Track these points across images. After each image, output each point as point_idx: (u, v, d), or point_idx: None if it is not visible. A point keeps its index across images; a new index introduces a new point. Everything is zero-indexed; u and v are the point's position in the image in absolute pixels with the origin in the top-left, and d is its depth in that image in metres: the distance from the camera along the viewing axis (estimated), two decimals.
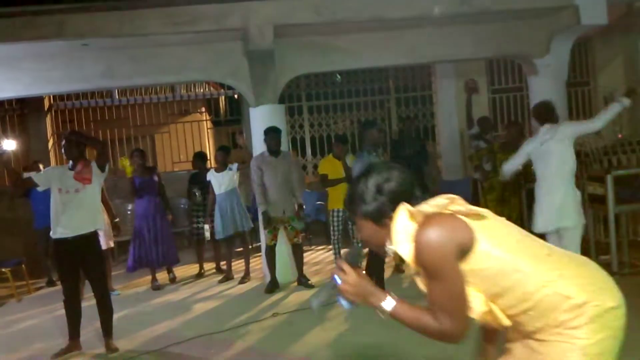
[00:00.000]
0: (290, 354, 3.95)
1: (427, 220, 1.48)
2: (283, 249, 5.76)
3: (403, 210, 1.52)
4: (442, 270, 1.45)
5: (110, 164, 4.51)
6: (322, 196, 6.41)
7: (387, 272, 6.78)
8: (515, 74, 8.98)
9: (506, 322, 1.54)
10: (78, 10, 5.21)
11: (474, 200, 6.65)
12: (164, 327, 4.75)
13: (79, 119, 9.66)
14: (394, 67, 8.55)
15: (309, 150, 9.33)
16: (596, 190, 5.44)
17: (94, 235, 4.16)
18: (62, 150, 4.23)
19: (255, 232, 6.39)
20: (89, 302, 4.50)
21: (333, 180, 5.91)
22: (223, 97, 11.59)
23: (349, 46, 6.02)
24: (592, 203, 5.50)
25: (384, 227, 1.54)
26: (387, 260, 5.08)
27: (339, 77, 9.36)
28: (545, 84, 6.32)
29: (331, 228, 6.02)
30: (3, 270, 6.07)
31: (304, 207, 5.79)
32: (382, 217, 1.54)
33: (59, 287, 4.68)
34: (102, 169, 4.15)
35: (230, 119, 11.43)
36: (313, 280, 5.81)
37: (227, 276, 6.26)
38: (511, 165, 4.51)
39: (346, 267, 1.56)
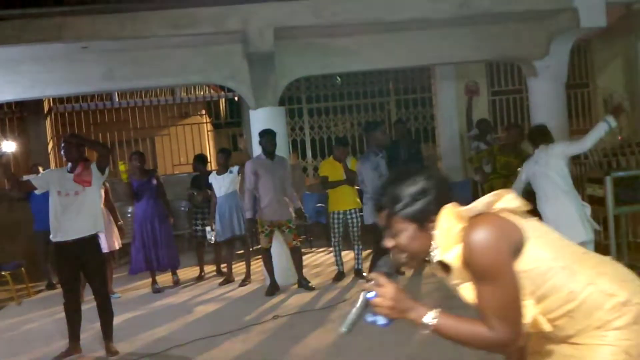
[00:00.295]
0: (291, 357, 3.95)
1: (476, 220, 1.40)
2: (282, 252, 5.76)
3: (448, 211, 1.43)
4: (497, 273, 1.36)
5: (111, 166, 4.50)
6: (323, 198, 6.40)
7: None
8: (515, 76, 8.99)
9: (548, 327, 1.45)
10: (78, 13, 5.21)
11: (471, 200, 6.65)
12: (164, 330, 4.74)
13: (78, 121, 9.66)
14: (394, 69, 8.56)
15: (309, 153, 9.33)
16: (596, 192, 5.45)
17: (94, 238, 4.15)
18: (62, 152, 4.22)
19: (256, 234, 6.39)
20: (89, 305, 4.50)
21: (333, 182, 5.91)
22: (223, 100, 11.60)
23: (349, 48, 6.03)
24: (592, 204, 5.50)
25: (426, 231, 1.44)
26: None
27: (339, 79, 9.37)
28: (544, 86, 6.34)
29: (332, 230, 6.02)
30: (3, 273, 6.06)
31: (302, 209, 5.77)
32: (426, 219, 1.44)
33: (59, 290, 4.67)
34: (102, 171, 4.15)
35: (230, 121, 11.44)
36: (314, 282, 5.81)
37: (228, 279, 6.25)
38: (517, 189, 4.59)
39: (383, 279, 1.43)
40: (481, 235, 1.37)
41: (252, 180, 5.52)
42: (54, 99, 9.28)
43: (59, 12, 5.17)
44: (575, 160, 6.22)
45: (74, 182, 4.08)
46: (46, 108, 9.30)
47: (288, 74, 6.00)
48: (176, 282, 6.32)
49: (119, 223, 5.86)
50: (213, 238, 6.21)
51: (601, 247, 5.46)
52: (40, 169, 6.50)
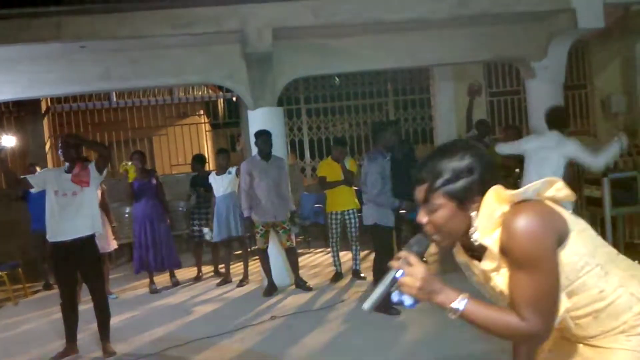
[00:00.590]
0: (289, 357, 3.94)
1: (523, 206, 1.33)
2: (280, 252, 5.75)
3: (494, 193, 1.36)
4: (538, 262, 1.29)
5: (109, 167, 4.49)
6: (321, 199, 6.40)
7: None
8: (513, 77, 9.00)
9: (571, 324, 1.41)
10: (76, 12, 5.20)
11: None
12: (162, 331, 4.73)
13: (76, 121, 9.64)
14: (392, 69, 8.56)
15: (307, 153, 9.33)
16: (593, 193, 5.46)
17: (91, 239, 4.14)
18: (59, 152, 4.21)
19: (254, 235, 6.38)
20: (86, 306, 4.48)
21: (332, 182, 5.91)
22: (222, 100, 11.58)
23: (347, 49, 6.03)
24: (589, 205, 5.52)
25: (465, 211, 1.37)
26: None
27: (337, 79, 9.37)
28: (542, 87, 6.34)
29: (329, 231, 6.01)
30: (0, 273, 6.04)
31: (296, 210, 5.76)
32: (467, 199, 1.36)
33: (55, 290, 4.66)
34: (100, 171, 4.14)
35: (228, 121, 11.42)
36: (311, 283, 5.80)
37: (226, 279, 6.24)
38: (504, 149, 4.72)
39: (413, 258, 1.36)
40: (527, 221, 1.30)
41: (247, 181, 5.52)
42: (51, 99, 9.25)
43: (56, 11, 5.15)
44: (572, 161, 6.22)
45: (71, 182, 4.06)
46: (44, 108, 9.27)
47: (286, 74, 5.99)
48: (175, 283, 6.31)
49: (113, 225, 5.84)
50: (209, 237, 6.19)
51: None
52: (38, 169, 6.46)
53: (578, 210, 5.20)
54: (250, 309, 5.14)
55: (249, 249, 6.38)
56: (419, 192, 1.41)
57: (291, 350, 4.04)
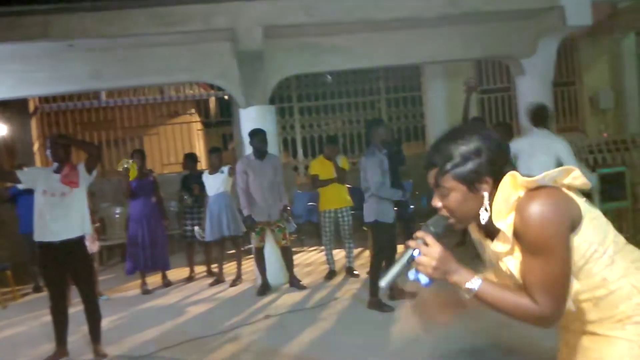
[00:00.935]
0: (283, 356, 3.93)
1: (538, 192, 1.35)
2: (274, 251, 5.74)
3: (510, 178, 1.38)
4: (552, 247, 1.32)
5: (99, 167, 4.43)
6: (314, 197, 6.39)
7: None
8: (503, 74, 9.06)
9: (572, 307, 1.44)
10: (64, 11, 5.14)
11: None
12: (154, 332, 4.69)
13: (65, 121, 9.55)
14: (384, 67, 8.57)
15: (300, 151, 9.31)
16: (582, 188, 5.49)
17: (81, 240, 4.09)
18: (48, 152, 4.15)
19: (247, 234, 6.35)
20: (76, 308, 4.43)
21: (324, 180, 5.90)
22: (213, 99, 11.53)
23: (339, 47, 6.02)
24: None
25: (476, 193, 1.39)
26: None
27: (329, 77, 9.36)
28: (532, 84, 6.38)
29: (323, 229, 6.00)
30: None
31: (290, 208, 5.75)
32: (477, 181, 1.38)
33: (45, 293, 4.60)
34: (90, 172, 4.09)
35: (220, 120, 11.37)
36: (305, 281, 5.79)
37: (219, 279, 6.21)
38: None
39: (430, 238, 1.40)
40: (542, 207, 1.32)
41: (243, 179, 5.50)
42: (40, 98, 9.15)
43: (44, 9, 5.09)
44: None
45: (61, 183, 4.01)
46: (32, 107, 9.16)
47: (278, 72, 5.97)
48: (167, 284, 6.27)
49: (96, 225, 5.80)
50: (199, 236, 6.16)
51: None
52: (25, 169, 6.40)
53: None
54: (243, 308, 5.12)
55: (242, 248, 6.35)
56: (430, 176, 1.44)
57: (285, 349, 4.03)
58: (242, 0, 5.40)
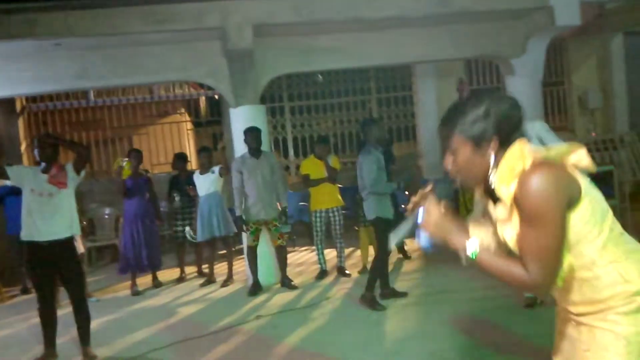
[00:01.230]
0: (274, 356, 3.91)
1: (542, 165, 1.40)
2: (266, 251, 5.71)
3: (519, 147, 1.44)
4: (547, 218, 1.37)
5: (87, 167, 4.38)
6: (305, 197, 6.38)
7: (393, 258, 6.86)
8: (493, 73, 9.10)
9: (560, 282, 1.49)
10: (51, 9, 5.07)
11: (454, 198, 6.72)
12: (144, 333, 4.65)
13: (53, 121, 9.44)
14: (375, 67, 8.58)
15: (291, 151, 9.30)
16: None
17: (70, 241, 4.04)
18: (35, 152, 4.09)
19: (238, 234, 6.32)
20: (65, 310, 4.38)
21: (315, 180, 5.89)
22: (204, 98, 11.46)
23: (330, 46, 6.00)
24: None
25: (482, 154, 1.46)
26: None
27: (320, 77, 9.35)
28: (521, 84, 6.41)
29: (314, 229, 5.99)
30: None
31: (287, 208, 5.75)
32: (484, 140, 1.45)
33: (34, 295, 4.54)
34: (78, 172, 4.04)
35: (211, 120, 11.31)
36: (296, 281, 5.78)
37: (209, 280, 6.17)
38: None
39: (433, 201, 1.50)
40: (542, 180, 1.37)
41: (238, 179, 5.48)
42: (27, 98, 9.04)
43: (31, 7, 5.02)
44: None
45: (48, 183, 3.96)
46: (19, 107, 9.05)
47: (269, 71, 5.94)
48: (157, 285, 6.22)
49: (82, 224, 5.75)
50: (192, 236, 6.13)
51: None
52: (14, 167, 6.31)
53: None
54: (234, 309, 5.09)
55: (232, 249, 6.31)
56: (444, 140, 1.53)
57: (276, 350, 4.01)
58: None
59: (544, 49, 6.43)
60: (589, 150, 7.29)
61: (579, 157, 1.46)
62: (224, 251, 6.31)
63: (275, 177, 5.55)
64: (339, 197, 6.00)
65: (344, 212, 6.03)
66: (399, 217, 5.63)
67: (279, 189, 5.58)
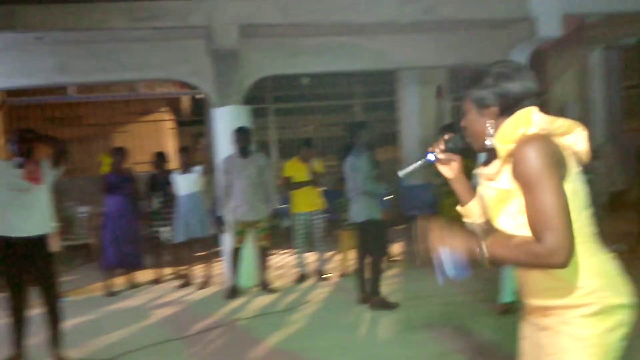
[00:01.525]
0: None
1: (540, 135, 1.45)
2: (246, 253, 5.65)
3: (527, 112, 1.49)
4: (545, 177, 1.40)
5: (65, 164, 4.28)
6: (286, 199, 6.34)
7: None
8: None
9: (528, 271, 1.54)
10: (31, 1, 4.96)
11: (434, 204, 6.76)
12: (118, 335, 4.55)
13: (31, 116, 9.23)
14: (360, 72, 8.60)
15: (274, 153, 9.25)
16: None
17: (44, 238, 3.94)
18: (12, 147, 3.98)
19: (216, 236, 6.25)
20: (37, 310, 4.26)
21: (298, 183, 5.86)
22: (186, 97, 11.33)
23: (316, 49, 6.00)
24: None
25: (483, 117, 1.56)
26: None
27: (306, 80, 9.35)
28: None
29: (295, 232, 5.96)
30: None
31: (278, 210, 5.70)
32: (484, 106, 1.56)
33: (3, 294, 4.41)
34: (55, 169, 3.95)
35: (194, 119, 11.19)
36: (275, 284, 5.73)
37: (187, 281, 6.09)
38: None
39: (446, 152, 1.72)
40: (540, 146, 1.42)
41: (224, 179, 5.43)
42: (6, 92, 8.82)
43: None
44: None
45: (24, 179, 3.86)
46: None
47: (254, 72, 5.91)
48: (133, 285, 6.11)
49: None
50: (169, 237, 6.05)
51: None
52: None
53: None
54: (211, 311, 5.02)
55: (211, 251, 6.24)
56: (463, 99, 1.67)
57: (252, 354, 3.96)
58: None
59: (525, 58, 6.52)
60: None
61: (576, 140, 1.52)
62: (202, 253, 6.22)
63: (264, 178, 5.50)
64: (322, 200, 5.98)
65: (325, 215, 6.01)
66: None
67: (269, 190, 5.53)
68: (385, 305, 4.72)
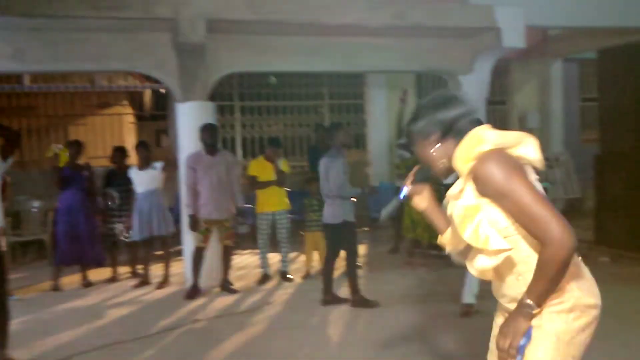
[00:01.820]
0: None
1: (493, 150, 1.52)
2: (209, 252, 5.53)
3: (476, 132, 1.58)
4: (514, 184, 1.46)
5: (16, 156, 4.05)
6: (250, 198, 6.25)
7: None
8: (442, 89, 9.36)
9: (497, 276, 1.59)
10: None
11: (399, 208, 6.82)
12: (69, 335, 4.36)
13: None
14: (329, 73, 8.59)
15: (239, 151, 9.12)
16: None
17: None
18: None
19: (176, 235, 6.08)
20: None
21: (263, 182, 5.78)
22: (148, 91, 11.03)
23: (285, 48, 5.94)
24: None
25: (429, 145, 1.67)
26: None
27: (274, 79, 9.26)
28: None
29: (259, 231, 5.87)
30: None
31: (242, 208, 5.60)
32: (428, 135, 1.66)
33: None
34: (4, 159, 3.73)
35: (155, 114, 10.90)
36: (237, 285, 5.63)
37: (144, 281, 5.90)
38: None
39: (414, 184, 1.82)
40: (499, 158, 1.50)
41: (190, 176, 5.28)
42: None
43: None
44: None
45: None
46: None
47: (220, 68, 5.79)
48: (87, 284, 5.88)
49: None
50: (127, 235, 5.86)
51: None
52: None
53: None
54: (169, 312, 4.88)
55: (171, 249, 6.07)
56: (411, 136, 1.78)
57: (211, 355, 3.86)
58: None
59: (490, 68, 6.68)
60: None
61: (527, 150, 1.56)
62: (161, 252, 6.04)
63: (231, 177, 5.40)
64: (287, 200, 5.92)
65: (290, 215, 5.96)
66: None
67: (235, 189, 5.42)
68: (366, 303, 4.75)
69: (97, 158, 9.11)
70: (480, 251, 1.53)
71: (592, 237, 6.72)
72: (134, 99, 10.98)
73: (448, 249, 1.75)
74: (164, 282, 5.82)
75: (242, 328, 4.40)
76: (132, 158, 6.19)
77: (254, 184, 5.85)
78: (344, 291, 5.15)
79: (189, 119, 5.55)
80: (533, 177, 1.56)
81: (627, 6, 7.29)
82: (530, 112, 9.70)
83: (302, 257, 6.30)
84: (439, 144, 1.66)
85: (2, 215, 3.86)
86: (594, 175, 6.85)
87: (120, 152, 6.25)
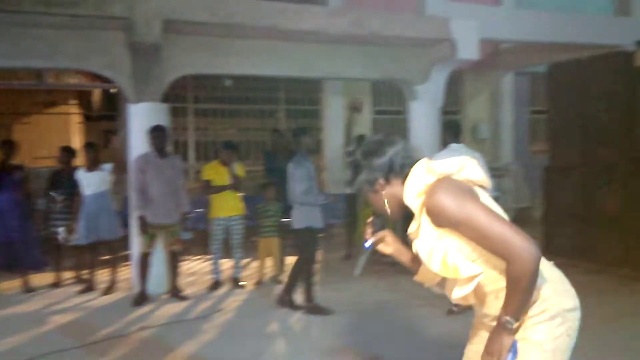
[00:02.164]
0: None
1: (439, 180, 1.55)
2: (157, 257, 5.38)
3: (422, 165, 1.62)
4: (467, 209, 1.47)
5: None
6: (203, 203, 6.13)
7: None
8: (397, 97, 9.55)
9: (475, 298, 1.60)
10: None
11: (350, 213, 6.88)
12: (8, 343, 4.13)
13: None
14: (285, 78, 8.57)
15: (192, 155, 8.95)
16: None
17: None
18: None
19: (124, 239, 5.88)
20: None
21: (218, 187, 5.69)
22: (98, 91, 10.65)
23: (241, 51, 5.89)
24: None
25: (378, 190, 1.69)
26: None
27: (229, 81, 9.15)
28: (423, 110, 6.78)
29: (213, 237, 5.77)
30: None
31: (189, 213, 5.49)
32: (372, 184, 1.68)
33: None
34: None
35: (104, 114, 10.52)
36: (187, 291, 5.50)
37: (89, 286, 5.67)
38: None
39: (375, 233, 1.82)
40: (445, 187, 1.52)
41: (139, 178, 5.14)
42: None
43: None
44: None
45: None
46: None
47: (175, 69, 5.67)
48: (28, 290, 5.60)
49: None
50: (64, 238, 5.63)
51: None
52: None
53: None
54: (116, 319, 4.71)
55: (118, 254, 5.86)
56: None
57: None
58: None
59: (445, 78, 6.86)
60: None
61: (471, 173, 1.60)
62: (108, 257, 5.83)
63: (178, 182, 5.29)
64: (241, 205, 5.85)
65: (243, 221, 5.89)
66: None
67: (182, 194, 5.31)
68: (320, 310, 4.72)
69: (42, 158, 8.71)
70: (455, 280, 1.55)
71: (540, 245, 6.98)
72: (82, 98, 10.57)
73: (426, 284, 1.75)
74: (110, 288, 5.61)
75: (192, 335, 4.30)
76: (80, 159, 5.96)
77: (208, 189, 5.75)
78: (298, 298, 5.13)
79: (141, 120, 5.41)
80: (484, 196, 1.59)
81: (578, 24, 7.66)
82: (482, 122, 10.04)
83: (255, 264, 6.24)
84: (386, 189, 1.67)
85: None
86: (543, 187, 7.10)
87: (67, 152, 6.00)
